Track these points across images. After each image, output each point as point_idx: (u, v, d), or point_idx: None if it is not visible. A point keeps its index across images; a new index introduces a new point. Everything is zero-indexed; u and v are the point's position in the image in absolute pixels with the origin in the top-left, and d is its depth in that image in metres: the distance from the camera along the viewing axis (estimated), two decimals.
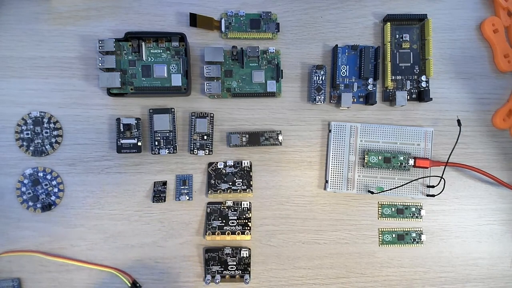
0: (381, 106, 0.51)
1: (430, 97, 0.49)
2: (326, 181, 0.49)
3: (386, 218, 0.50)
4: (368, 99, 0.49)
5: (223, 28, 0.49)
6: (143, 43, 0.47)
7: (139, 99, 0.49)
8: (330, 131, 0.50)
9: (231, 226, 0.49)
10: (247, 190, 0.49)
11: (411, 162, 0.48)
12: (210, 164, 0.49)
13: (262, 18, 0.49)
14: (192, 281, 0.49)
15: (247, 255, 0.48)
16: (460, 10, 0.51)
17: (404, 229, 0.50)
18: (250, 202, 0.49)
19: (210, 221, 0.49)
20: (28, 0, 0.48)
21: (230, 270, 0.48)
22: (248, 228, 0.49)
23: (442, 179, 0.47)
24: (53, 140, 0.48)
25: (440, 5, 0.51)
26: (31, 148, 0.48)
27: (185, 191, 0.49)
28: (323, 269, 0.50)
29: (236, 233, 0.48)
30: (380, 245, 0.50)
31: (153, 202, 0.48)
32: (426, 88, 0.50)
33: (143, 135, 0.48)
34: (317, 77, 0.49)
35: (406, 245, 0.50)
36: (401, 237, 0.50)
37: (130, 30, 0.46)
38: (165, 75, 0.47)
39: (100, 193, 0.48)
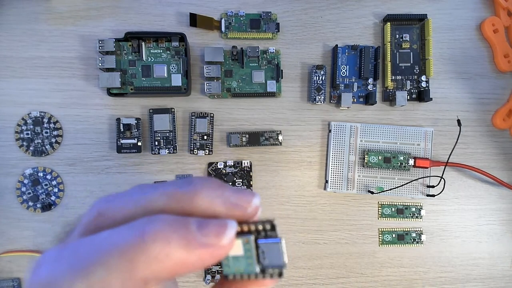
0: (381, 106, 0.51)
1: (430, 97, 0.49)
2: (326, 181, 0.49)
3: (386, 218, 0.50)
4: (368, 99, 0.49)
5: (223, 28, 0.49)
6: (143, 43, 0.47)
7: (139, 99, 0.49)
8: (330, 131, 0.50)
9: None
10: None
11: (411, 162, 0.48)
12: (210, 164, 0.49)
13: (262, 18, 0.49)
14: (192, 281, 0.49)
15: None
16: (460, 10, 0.51)
17: (404, 229, 0.50)
18: None
19: None
20: (28, 0, 0.48)
21: None
22: None
23: (442, 179, 0.47)
24: (53, 140, 0.48)
25: (440, 5, 0.51)
26: (31, 148, 0.48)
27: None
28: (323, 269, 0.50)
29: None
30: (380, 245, 0.50)
31: None
32: (426, 88, 0.50)
33: (143, 135, 0.48)
34: (317, 77, 0.49)
35: (406, 245, 0.50)
36: (401, 237, 0.50)
37: (130, 30, 0.46)
38: (165, 75, 0.47)
39: (100, 193, 0.48)
